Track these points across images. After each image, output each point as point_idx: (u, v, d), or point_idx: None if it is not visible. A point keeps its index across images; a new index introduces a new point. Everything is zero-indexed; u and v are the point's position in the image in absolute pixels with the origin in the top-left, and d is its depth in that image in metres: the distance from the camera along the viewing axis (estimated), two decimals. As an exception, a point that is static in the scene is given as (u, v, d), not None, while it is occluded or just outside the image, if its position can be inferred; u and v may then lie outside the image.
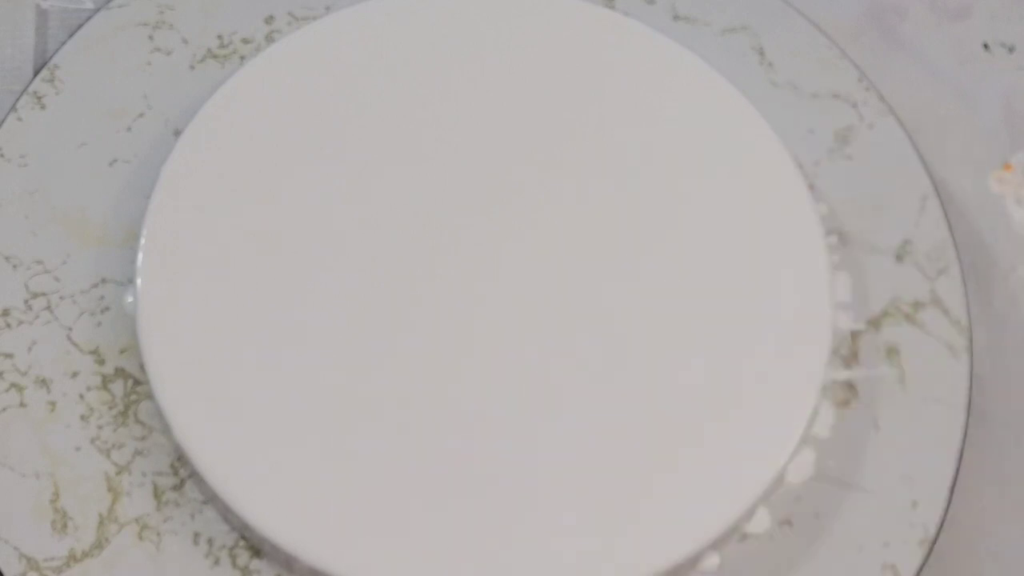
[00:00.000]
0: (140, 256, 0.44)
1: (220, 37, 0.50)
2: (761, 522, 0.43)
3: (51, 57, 0.49)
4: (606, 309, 0.44)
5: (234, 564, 0.42)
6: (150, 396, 0.43)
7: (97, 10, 0.50)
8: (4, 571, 0.41)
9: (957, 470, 0.44)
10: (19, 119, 0.48)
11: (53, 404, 0.43)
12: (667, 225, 0.45)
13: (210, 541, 0.42)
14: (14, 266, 0.45)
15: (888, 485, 0.44)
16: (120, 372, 0.44)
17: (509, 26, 0.48)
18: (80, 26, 0.50)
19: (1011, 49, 0.53)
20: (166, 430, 0.42)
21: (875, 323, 0.46)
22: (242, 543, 0.42)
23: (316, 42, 0.48)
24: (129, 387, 0.44)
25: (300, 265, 0.44)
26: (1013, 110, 0.52)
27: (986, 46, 0.53)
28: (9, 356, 0.44)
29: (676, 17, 0.51)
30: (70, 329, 0.45)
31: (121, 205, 0.47)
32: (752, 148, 0.47)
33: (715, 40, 0.51)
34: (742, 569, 0.43)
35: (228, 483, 0.41)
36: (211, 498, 0.42)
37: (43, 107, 0.48)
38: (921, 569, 0.43)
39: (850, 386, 0.46)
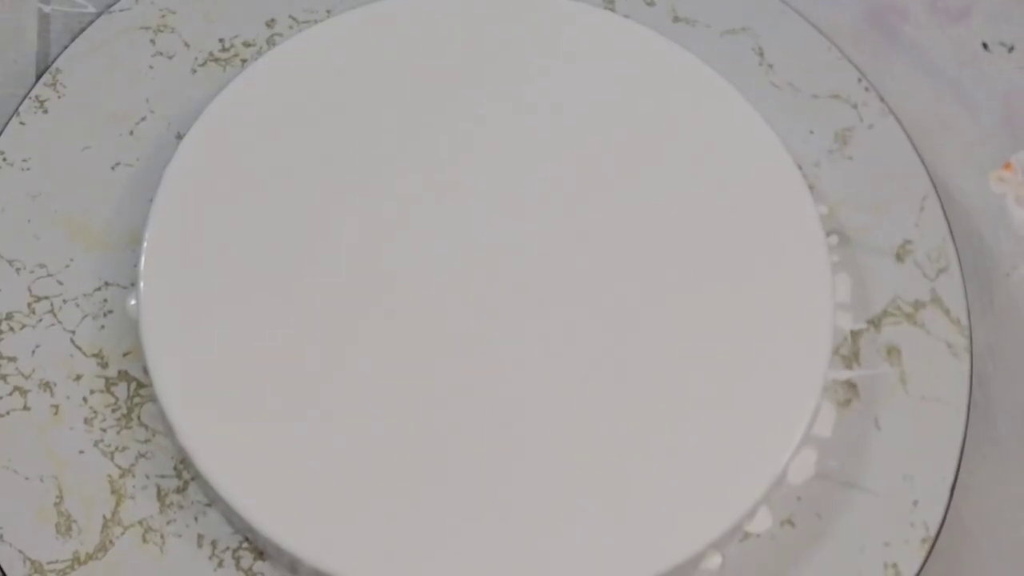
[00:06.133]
0: (143, 259, 0.44)
1: (222, 41, 0.50)
2: (763, 522, 0.44)
3: (53, 61, 0.49)
4: (607, 309, 0.44)
5: (238, 566, 0.42)
6: (153, 399, 0.43)
7: (99, 14, 0.50)
8: (8, 574, 0.41)
9: (958, 469, 0.44)
10: (22, 123, 0.48)
11: (57, 407, 0.44)
12: (667, 226, 0.45)
13: (214, 543, 0.42)
14: (17, 270, 0.46)
15: (889, 484, 0.44)
16: (123, 375, 0.44)
17: (510, 29, 0.48)
18: (82, 30, 0.50)
19: (1011, 49, 0.53)
20: (169, 433, 0.42)
21: (876, 323, 0.47)
22: (246, 545, 0.42)
23: (317, 45, 0.48)
24: (132, 390, 0.44)
25: (303, 268, 0.44)
26: (1013, 110, 0.52)
27: (986, 46, 0.53)
28: (12, 360, 0.44)
29: (676, 19, 0.51)
30: (73, 332, 0.45)
31: (124, 208, 0.47)
32: (752, 149, 0.47)
33: (715, 41, 0.51)
34: (744, 569, 0.43)
35: (231, 485, 0.41)
36: (214, 500, 0.42)
37: (46, 111, 0.48)
38: (922, 568, 0.43)
39: (851, 386, 0.46)
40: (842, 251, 0.47)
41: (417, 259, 0.44)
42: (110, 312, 0.45)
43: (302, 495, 0.41)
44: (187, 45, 0.50)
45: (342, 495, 0.41)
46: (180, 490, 0.43)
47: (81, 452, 0.43)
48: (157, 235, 0.44)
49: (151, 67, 0.49)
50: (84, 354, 0.44)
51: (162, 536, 0.42)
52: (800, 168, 0.47)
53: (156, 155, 0.47)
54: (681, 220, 0.45)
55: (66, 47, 0.49)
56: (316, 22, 0.50)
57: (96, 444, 0.43)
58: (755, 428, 0.43)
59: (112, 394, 0.44)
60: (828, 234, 0.47)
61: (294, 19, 0.50)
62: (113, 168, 0.47)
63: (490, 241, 0.45)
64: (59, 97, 0.48)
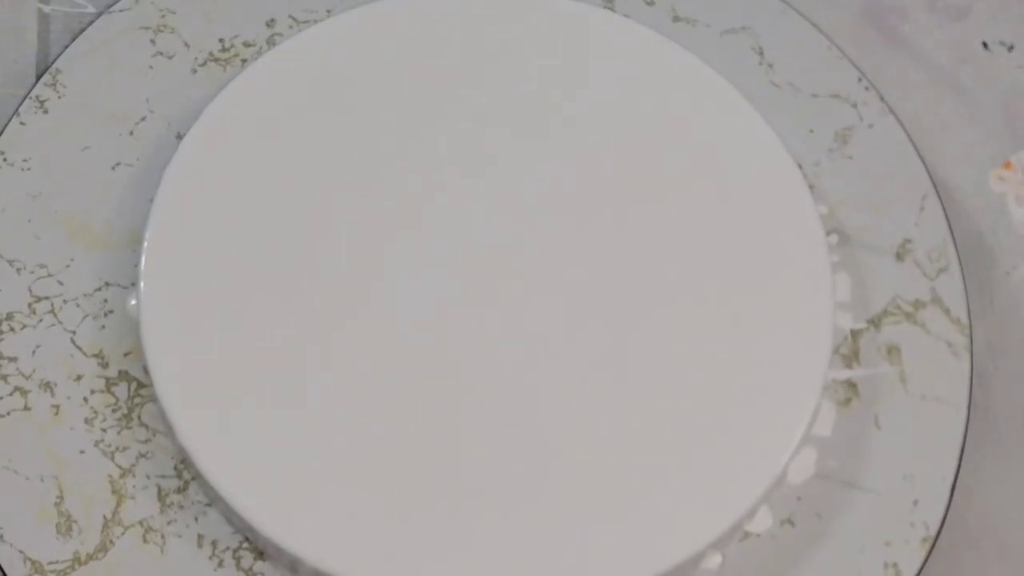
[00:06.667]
0: (143, 259, 0.44)
1: (222, 40, 0.50)
2: (763, 521, 0.44)
3: (53, 61, 0.49)
4: (606, 309, 0.44)
5: (238, 566, 0.42)
6: (153, 399, 0.43)
7: (99, 14, 0.50)
8: (9, 574, 0.41)
9: (958, 468, 0.44)
10: (22, 123, 0.48)
11: (57, 407, 0.44)
12: (668, 226, 0.45)
13: (214, 543, 0.42)
14: (17, 270, 0.46)
15: (889, 484, 0.44)
16: (123, 375, 0.44)
17: (509, 28, 0.48)
18: (82, 30, 0.50)
19: (1010, 48, 0.54)
20: (169, 433, 0.42)
21: (876, 322, 0.47)
22: (246, 545, 0.42)
23: (317, 45, 0.48)
24: (133, 390, 0.44)
25: (303, 268, 0.44)
26: (1013, 109, 0.52)
27: (985, 45, 0.53)
28: (13, 360, 0.44)
29: (676, 18, 0.51)
30: (74, 333, 0.45)
31: (124, 208, 0.47)
32: (752, 148, 0.47)
33: (715, 41, 0.51)
34: (744, 568, 0.43)
35: (231, 485, 0.41)
36: (215, 500, 0.42)
37: (46, 111, 0.48)
38: (923, 568, 0.43)
39: (851, 385, 0.46)
40: (842, 251, 0.47)
41: (417, 259, 0.44)
42: (110, 312, 0.45)
43: (302, 495, 0.41)
44: (187, 45, 0.50)
45: (342, 495, 0.41)
46: (180, 490, 0.43)
47: (81, 452, 0.43)
48: (157, 235, 0.44)
49: (151, 67, 0.49)
50: (84, 354, 0.44)
51: (162, 536, 0.42)
52: (800, 168, 0.47)
53: (156, 155, 0.47)
54: (681, 220, 0.45)
55: (66, 47, 0.49)
56: (316, 22, 0.50)
57: (96, 444, 0.43)
58: (755, 428, 0.43)
59: (112, 394, 0.44)
60: (828, 234, 0.47)
61: (294, 19, 0.50)
62: (113, 168, 0.47)
63: (490, 241, 0.45)
64: (59, 97, 0.48)
